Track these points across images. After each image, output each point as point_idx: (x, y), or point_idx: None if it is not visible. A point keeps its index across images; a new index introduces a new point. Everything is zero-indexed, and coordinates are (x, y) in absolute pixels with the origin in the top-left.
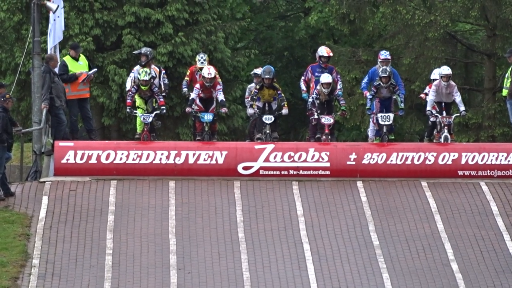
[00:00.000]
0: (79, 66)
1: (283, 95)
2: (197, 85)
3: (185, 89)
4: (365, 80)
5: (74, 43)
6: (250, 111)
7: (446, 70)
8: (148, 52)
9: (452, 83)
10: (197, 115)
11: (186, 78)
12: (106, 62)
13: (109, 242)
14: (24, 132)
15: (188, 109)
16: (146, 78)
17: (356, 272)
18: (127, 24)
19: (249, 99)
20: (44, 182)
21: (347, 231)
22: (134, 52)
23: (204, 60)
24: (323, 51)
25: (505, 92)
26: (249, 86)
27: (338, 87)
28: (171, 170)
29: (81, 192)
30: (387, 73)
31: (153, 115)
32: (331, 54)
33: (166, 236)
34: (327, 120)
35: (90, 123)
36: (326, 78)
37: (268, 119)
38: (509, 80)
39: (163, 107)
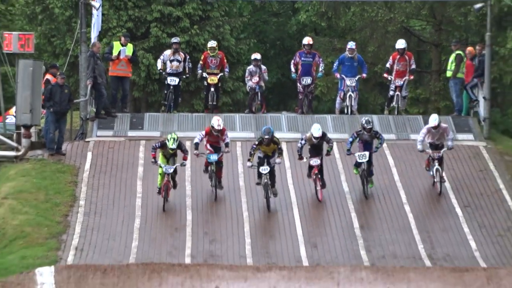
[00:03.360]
0: (122, 49)
1: (282, 148)
2: (202, 132)
3: (199, 71)
4: (336, 64)
5: (126, 33)
6: (248, 164)
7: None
8: (179, 41)
9: (443, 125)
10: (204, 155)
11: (201, 62)
12: (137, 49)
13: (139, 187)
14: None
15: (195, 151)
16: (174, 146)
17: (330, 212)
18: (154, 19)
19: (248, 77)
20: (89, 141)
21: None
22: (172, 40)
23: (214, 43)
24: (305, 40)
25: (449, 73)
26: (248, 67)
27: (320, 69)
28: None
29: (118, 149)
30: (370, 125)
31: (174, 166)
32: (311, 42)
33: (183, 184)
34: (315, 162)
35: (125, 100)
36: (317, 131)
37: (264, 169)
38: (453, 64)
39: (185, 162)
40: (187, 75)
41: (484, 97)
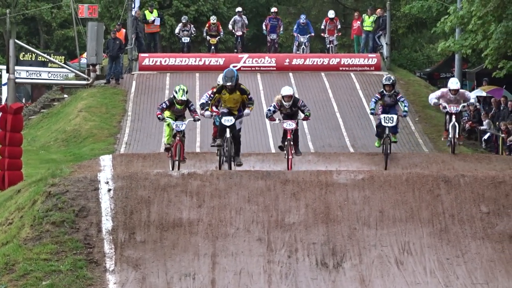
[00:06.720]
0: (152, 16)
1: (253, 98)
2: (209, 92)
3: (204, 34)
4: (295, 27)
5: (151, 3)
6: (207, 113)
7: (454, 85)
8: (187, 19)
9: (462, 91)
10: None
11: (206, 27)
12: (163, 14)
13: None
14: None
15: (202, 112)
16: (184, 98)
17: None
18: None
19: (232, 25)
20: (134, 74)
21: None
22: (182, 20)
23: (214, 19)
24: (272, 9)
25: (368, 28)
26: (234, 17)
27: (282, 28)
28: (197, 67)
29: (152, 78)
30: (391, 81)
31: (186, 122)
32: (276, 10)
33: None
34: (288, 125)
35: (156, 47)
36: (287, 90)
37: (227, 120)
38: (373, 23)
39: (198, 117)
40: (194, 35)
41: (386, 43)
